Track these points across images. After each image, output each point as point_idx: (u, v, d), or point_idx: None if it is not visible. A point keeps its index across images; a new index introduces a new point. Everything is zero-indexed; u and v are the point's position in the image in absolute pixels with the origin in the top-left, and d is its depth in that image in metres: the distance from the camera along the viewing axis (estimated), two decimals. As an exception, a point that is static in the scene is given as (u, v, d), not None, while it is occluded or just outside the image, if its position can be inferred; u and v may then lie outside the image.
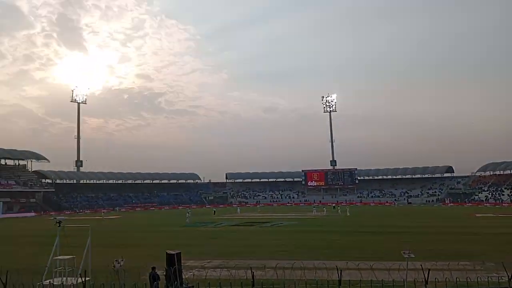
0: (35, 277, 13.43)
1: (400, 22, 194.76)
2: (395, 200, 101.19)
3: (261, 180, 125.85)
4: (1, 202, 75.01)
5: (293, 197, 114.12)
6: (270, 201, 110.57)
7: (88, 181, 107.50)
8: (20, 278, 12.44)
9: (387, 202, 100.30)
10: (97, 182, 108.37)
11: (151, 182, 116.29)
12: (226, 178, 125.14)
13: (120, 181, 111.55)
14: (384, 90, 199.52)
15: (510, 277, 9.89)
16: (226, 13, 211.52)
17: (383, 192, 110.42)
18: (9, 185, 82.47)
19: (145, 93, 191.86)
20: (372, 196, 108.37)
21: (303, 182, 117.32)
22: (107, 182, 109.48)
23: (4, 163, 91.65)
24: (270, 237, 32.16)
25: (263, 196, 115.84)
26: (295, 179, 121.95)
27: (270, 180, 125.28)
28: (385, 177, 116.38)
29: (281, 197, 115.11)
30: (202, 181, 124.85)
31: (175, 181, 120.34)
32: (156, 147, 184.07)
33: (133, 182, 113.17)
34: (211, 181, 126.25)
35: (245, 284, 11.48)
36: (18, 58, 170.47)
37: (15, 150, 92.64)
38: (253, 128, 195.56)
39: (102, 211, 78.04)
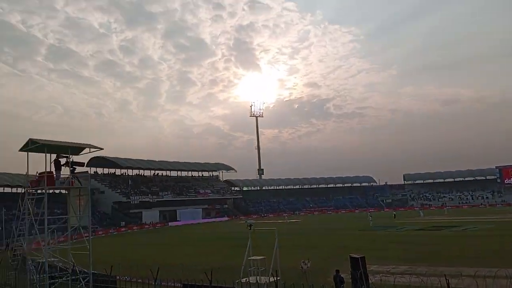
0: (232, 275, 15.11)
1: None
2: None
3: (445, 180, 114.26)
4: (201, 209, 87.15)
5: (487, 198, 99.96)
6: (459, 203, 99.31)
7: (269, 187, 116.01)
8: (221, 275, 14.22)
9: None
10: (277, 188, 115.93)
11: (326, 186, 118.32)
12: (404, 180, 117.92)
13: (297, 186, 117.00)
14: None
15: None
16: (387, 9, 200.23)
17: None
18: (206, 194, 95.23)
19: (313, 100, 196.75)
20: None
21: (498, 180, 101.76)
22: (286, 187, 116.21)
23: (201, 175, 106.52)
24: (462, 242, 28.88)
25: (449, 198, 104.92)
26: (488, 177, 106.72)
27: (456, 179, 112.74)
28: None
29: (472, 198, 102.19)
30: (378, 184, 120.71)
31: (349, 184, 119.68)
32: (327, 152, 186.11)
33: (309, 187, 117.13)
34: (387, 183, 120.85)
35: (439, 293, 10.60)
36: (205, 83, 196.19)
37: (209, 163, 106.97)
38: (429, 124, 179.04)
39: (284, 215, 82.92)
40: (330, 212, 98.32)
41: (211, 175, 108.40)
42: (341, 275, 15.40)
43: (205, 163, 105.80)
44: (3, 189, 63.62)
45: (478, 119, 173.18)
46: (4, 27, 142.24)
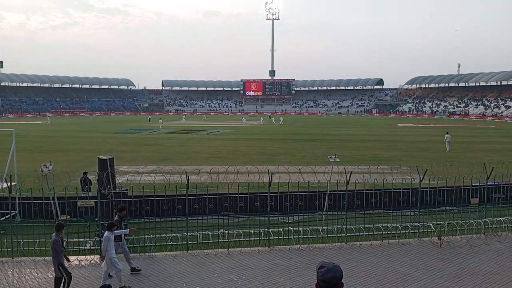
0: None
1: None
2: (326, 110, 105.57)
3: (199, 88, 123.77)
4: None
5: (231, 106, 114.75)
6: (208, 110, 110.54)
7: (10, 84, 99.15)
8: None
9: (319, 112, 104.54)
10: (21, 85, 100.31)
11: (80, 86, 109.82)
12: (163, 86, 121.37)
13: (46, 85, 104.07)
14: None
15: (421, 179, 11.06)
16: None
17: (317, 102, 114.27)
18: None
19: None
20: (306, 107, 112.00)
21: (242, 92, 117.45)
22: (31, 85, 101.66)
23: None
24: (205, 144, 32.67)
25: (200, 105, 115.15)
26: (234, 89, 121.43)
27: (208, 88, 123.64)
28: (320, 88, 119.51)
29: (219, 106, 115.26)
30: (137, 88, 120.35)
31: (107, 86, 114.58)
32: (85, 49, 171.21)
33: (60, 86, 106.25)
34: (146, 88, 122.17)
35: (180, 187, 11.77)
36: None
37: None
38: (192, 33, 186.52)
39: (47, 115, 75.82)
40: (84, 114, 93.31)
41: None
42: (88, 177, 15.18)
43: None
44: None
45: (233, 33, 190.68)
46: None
